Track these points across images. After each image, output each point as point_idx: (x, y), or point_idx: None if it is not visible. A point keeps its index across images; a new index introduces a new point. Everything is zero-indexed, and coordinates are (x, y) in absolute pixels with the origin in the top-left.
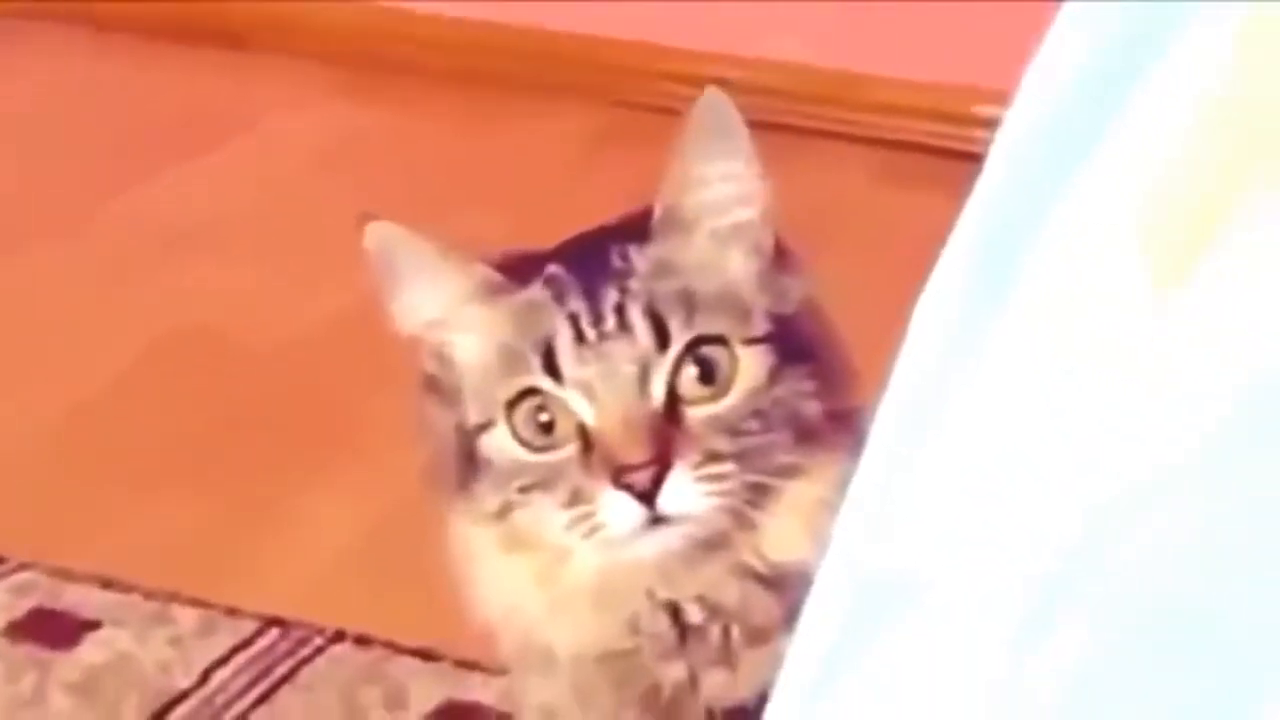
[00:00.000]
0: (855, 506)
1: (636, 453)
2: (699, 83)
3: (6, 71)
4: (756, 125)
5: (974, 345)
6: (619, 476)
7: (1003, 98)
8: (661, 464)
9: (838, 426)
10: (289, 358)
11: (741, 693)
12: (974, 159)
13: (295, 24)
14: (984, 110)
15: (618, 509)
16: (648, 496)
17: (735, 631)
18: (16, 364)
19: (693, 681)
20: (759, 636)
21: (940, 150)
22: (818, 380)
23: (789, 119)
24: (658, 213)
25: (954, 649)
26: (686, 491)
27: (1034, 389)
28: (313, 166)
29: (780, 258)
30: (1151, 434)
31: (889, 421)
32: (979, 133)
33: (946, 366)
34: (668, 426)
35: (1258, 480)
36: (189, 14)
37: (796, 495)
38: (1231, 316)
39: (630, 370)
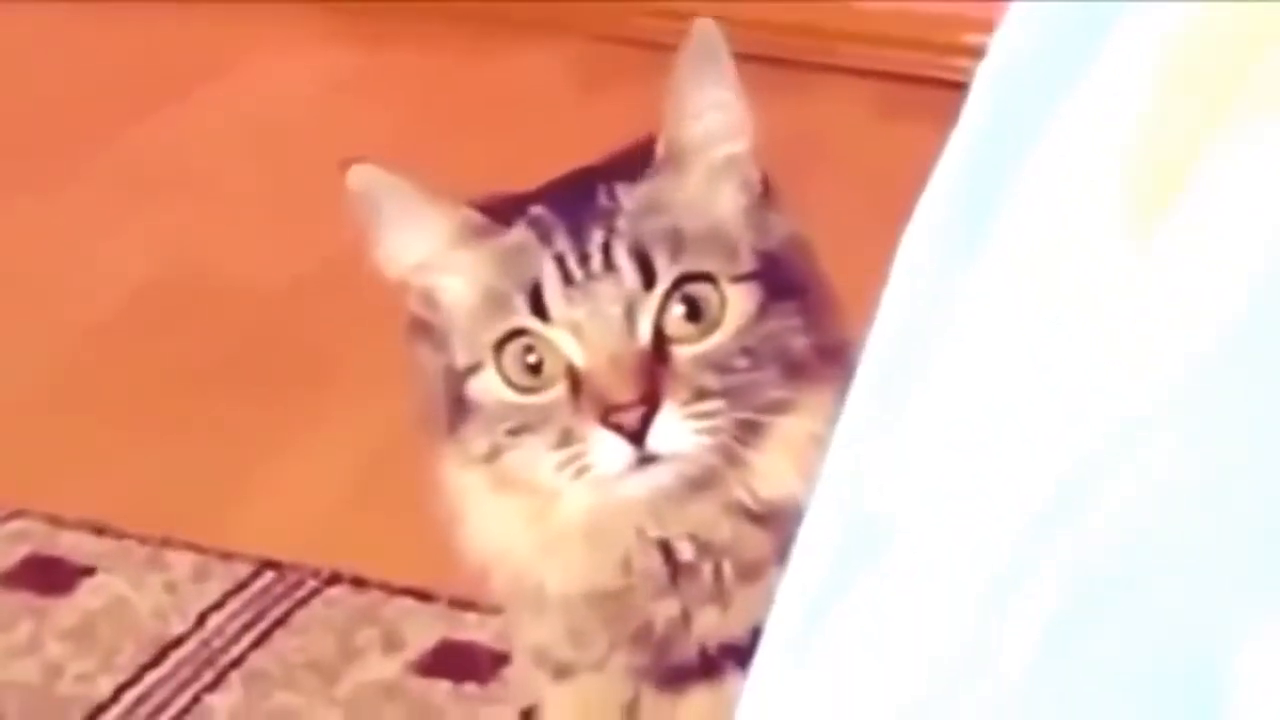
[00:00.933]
0: (843, 447)
1: (625, 392)
2: (690, 17)
3: None
4: (747, 59)
5: (956, 288)
6: (607, 416)
7: (992, 26)
8: (650, 403)
9: (826, 361)
10: (279, 301)
11: (734, 629)
12: (964, 88)
13: None
14: (974, 39)
15: (607, 448)
16: (637, 436)
17: (727, 568)
18: (4, 310)
19: (685, 619)
20: (751, 573)
21: (931, 80)
22: (805, 315)
23: (780, 52)
24: (661, 146)
25: (933, 594)
26: (675, 430)
27: (1014, 337)
28: (299, 109)
29: (767, 193)
30: (1126, 383)
31: (875, 360)
32: (969, 62)
33: (929, 308)
34: (656, 365)
35: (1230, 427)
36: None
37: (786, 431)
38: (1202, 264)
39: (617, 310)
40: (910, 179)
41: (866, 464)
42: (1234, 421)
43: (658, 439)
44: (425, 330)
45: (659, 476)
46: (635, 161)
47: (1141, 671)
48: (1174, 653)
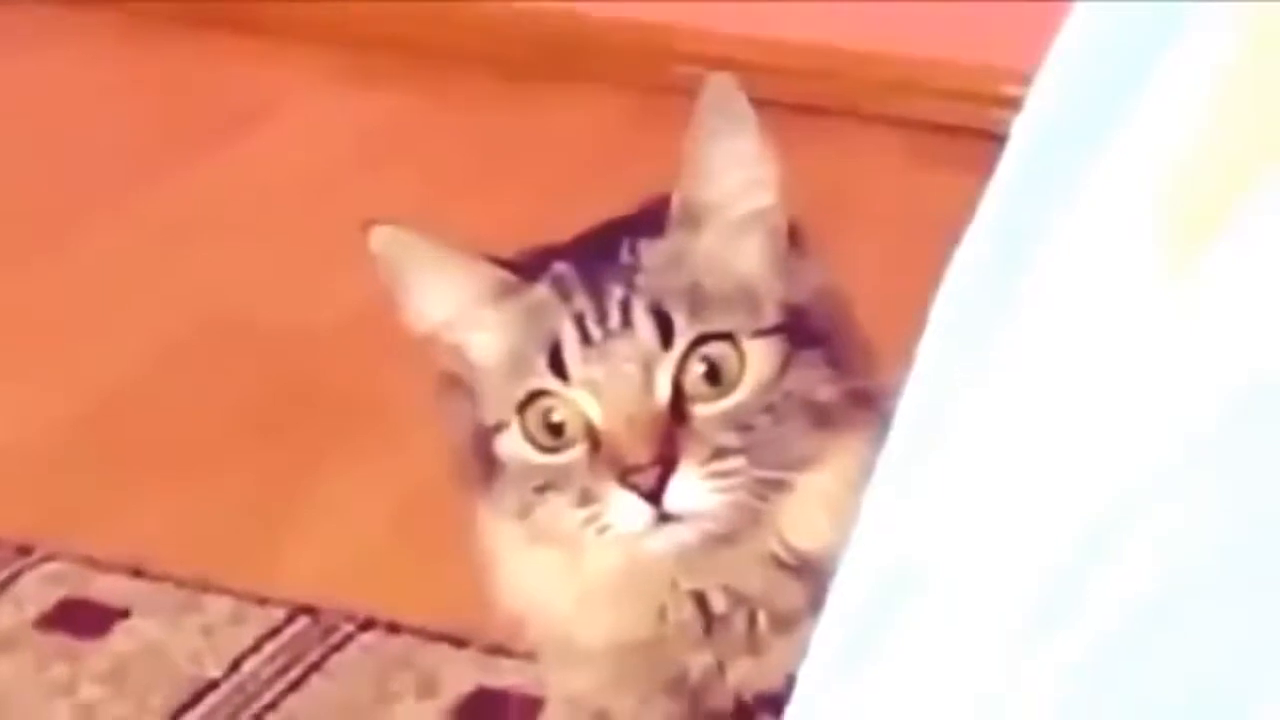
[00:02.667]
0: (878, 495)
1: (641, 453)
2: (726, 66)
3: (28, 58)
4: (783, 107)
5: (992, 336)
6: (625, 476)
7: (1030, 78)
8: (667, 463)
9: (858, 407)
10: (317, 345)
11: (770, 679)
12: (1001, 139)
13: (318, 10)
14: (1011, 90)
15: (625, 509)
16: (654, 495)
17: (761, 619)
18: (44, 352)
19: (720, 669)
20: (786, 623)
21: (968, 130)
22: (833, 363)
23: (816, 100)
24: (675, 205)
25: (964, 640)
26: (693, 490)
27: (1047, 383)
28: (338, 153)
29: (795, 242)
30: (1160, 427)
31: (910, 408)
32: (1006, 113)
33: (965, 356)
34: (673, 425)
35: (1263, 475)
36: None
37: (819, 480)
38: (1239, 309)
39: (634, 369)
40: (941, 228)
41: (901, 511)
42: (1266, 467)
43: (675, 499)
44: (455, 385)
45: (680, 535)
46: (660, 217)
47: (1173, 710)
48: (1205, 696)
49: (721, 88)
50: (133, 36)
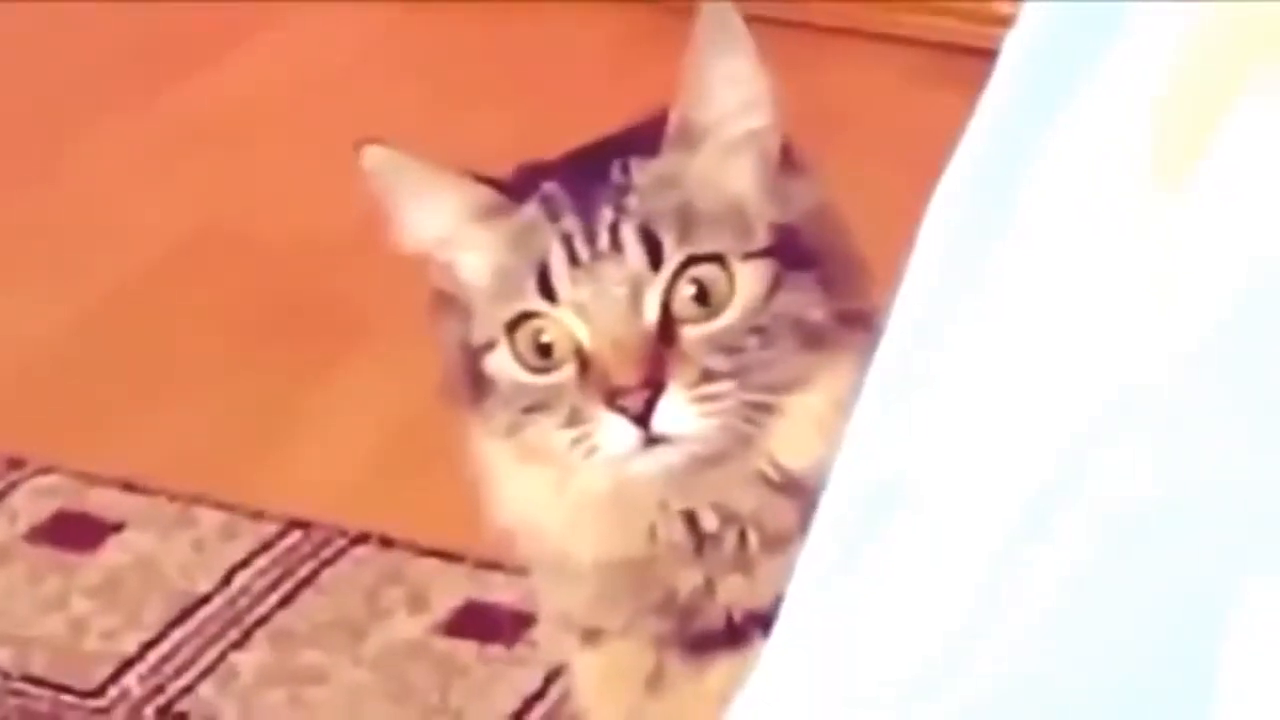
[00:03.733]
0: (866, 410)
1: (629, 374)
2: None
3: None
4: (779, 24)
5: (982, 253)
6: (613, 398)
7: None
8: (655, 385)
9: (850, 328)
10: (312, 259)
11: (760, 598)
12: (992, 56)
13: None
14: (1008, 9)
15: (613, 431)
16: (641, 418)
17: (752, 537)
18: (38, 266)
19: (710, 587)
20: (776, 542)
21: (965, 49)
22: (825, 285)
23: (813, 17)
24: (671, 124)
25: (950, 551)
26: (681, 412)
27: (1038, 294)
28: (335, 68)
29: (788, 163)
30: (1148, 337)
31: (900, 326)
32: (1003, 31)
33: (956, 273)
34: (661, 347)
35: (1249, 381)
36: None
37: (808, 401)
38: (1226, 221)
39: (622, 291)
40: (937, 146)
41: (889, 426)
42: (1251, 374)
43: (663, 421)
44: (447, 303)
45: (667, 457)
46: (655, 135)
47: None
48: (1181, 599)
49: (718, 9)
50: None
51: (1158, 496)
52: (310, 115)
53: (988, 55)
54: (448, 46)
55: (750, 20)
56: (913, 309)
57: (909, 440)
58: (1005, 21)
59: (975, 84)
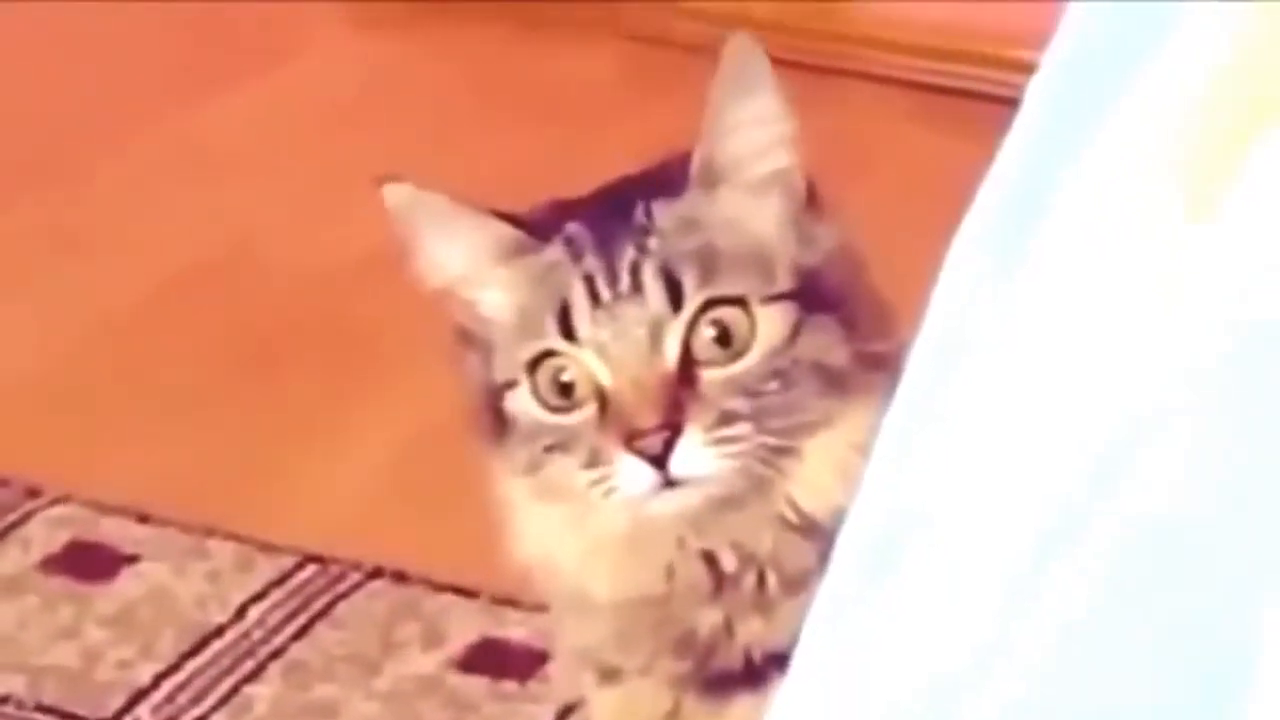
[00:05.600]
0: (885, 448)
1: (647, 417)
2: (732, 20)
3: (41, 2)
4: (793, 65)
5: (1004, 290)
6: (631, 440)
7: (1041, 42)
8: (673, 428)
9: (870, 370)
10: (325, 287)
11: (779, 639)
12: (1012, 104)
13: None
14: (1025, 54)
15: (631, 472)
16: (660, 460)
17: (771, 578)
18: (53, 290)
19: (729, 628)
20: (795, 583)
21: (978, 94)
22: (847, 327)
23: (826, 60)
24: (694, 165)
25: (968, 579)
26: (699, 455)
27: (1058, 321)
28: (348, 97)
29: (812, 204)
30: (1169, 362)
31: (920, 362)
32: (1019, 77)
33: (977, 309)
34: (680, 389)
35: (1272, 405)
36: None
37: (828, 443)
38: (1252, 246)
39: (642, 332)
40: (952, 192)
41: (908, 459)
42: (1271, 402)
43: (680, 464)
44: (469, 339)
45: (685, 499)
46: (679, 174)
47: (1174, 643)
48: (1203, 624)
49: (743, 47)
50: None
51: (1179, 522)
52: (325, 143)
53: (1002, 101)
54: (454, 78)
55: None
56: (933, 342)
57: (928, 471)
58: (1024, 68)
59: (989, 130)
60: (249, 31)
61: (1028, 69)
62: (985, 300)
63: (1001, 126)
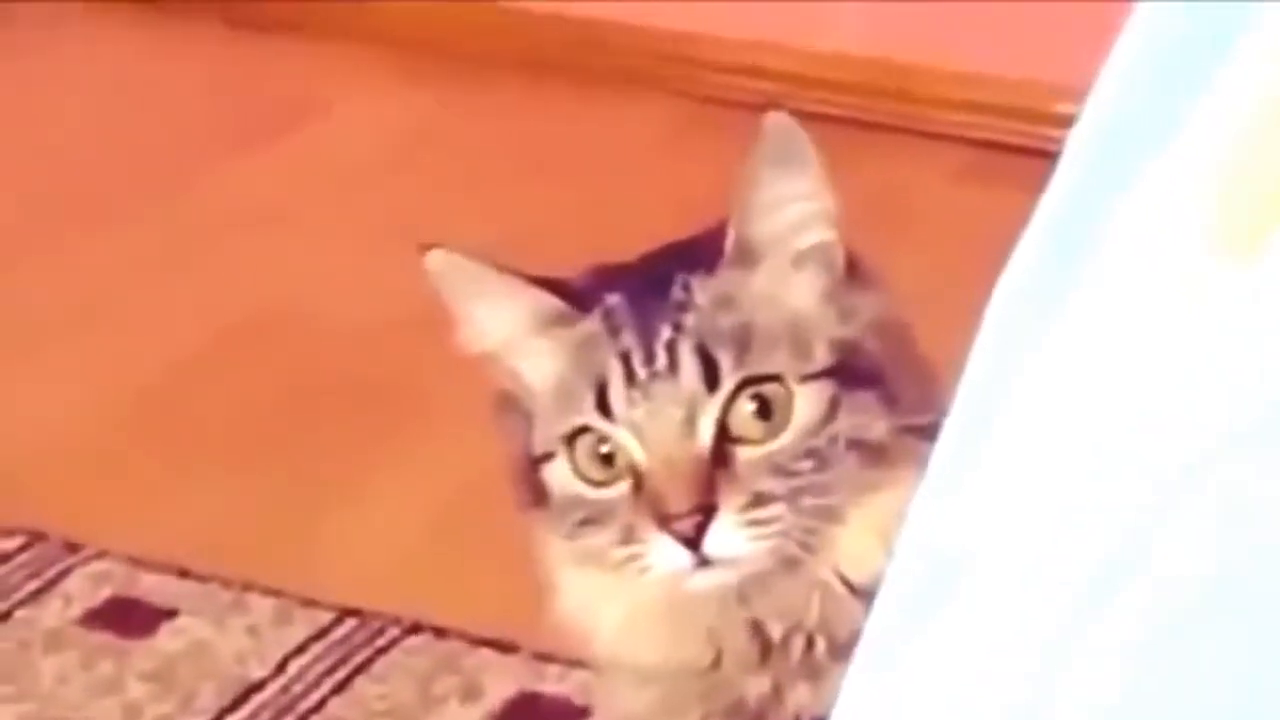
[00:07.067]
0: (929, 488)
1: (681, 499)
2: (776, 77)
3: (81, 55)
4: (836, 121)
5: (1045, 331)
6: (665, 521)
7: (1083, 95)
8: (706, 510)
9: (913, 439)
10: (364, 342)
11: (828, 705)
12: (1053, 157)
13: (368, 11)
14: (1065, 108)
15: (664, 552)
16: (693, 541)
17: (819, 644)
18: (92, 345)
19: (778, 694)
20: (843, 648)
21: (1021, 149)
22: (887, 402)
23: (869, 115)
24: (729, 242)
25: (1013, 623)
26: (732, 536)
27: (1102, 368)
28: (387, 151)
29: (852, 275)
30: (1210, 413)
31: (963, 411)
32: (1058, 131)
33: (1018, 358)
34: (715, 470)
35: None
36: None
37: (872, 510)
38: None
39: (677, 411)
40: (999, 246)
41: (952, 501)
42: None
43: (714, 545)
44: (510, 403)
45: (720, 577)
46: (719, 245)
47: (1218, 695)
48: (1247, 677)
49: (780, 125)
50: (193, 35)
51: (1220, 573)
52: (368, 197)
53: (1041, 154)
54: (490, 132)
55: (801, 115)
56: (975, 390)
57: (971, 512)
58: (1060, 120)
59: (1028, 183)
60: (284, 87)
61: (1068, 123)
62: (1026, 348)
63: (1044, 180)
